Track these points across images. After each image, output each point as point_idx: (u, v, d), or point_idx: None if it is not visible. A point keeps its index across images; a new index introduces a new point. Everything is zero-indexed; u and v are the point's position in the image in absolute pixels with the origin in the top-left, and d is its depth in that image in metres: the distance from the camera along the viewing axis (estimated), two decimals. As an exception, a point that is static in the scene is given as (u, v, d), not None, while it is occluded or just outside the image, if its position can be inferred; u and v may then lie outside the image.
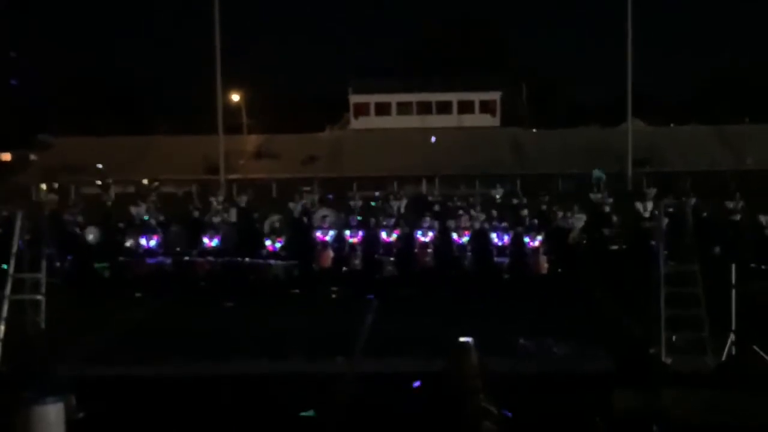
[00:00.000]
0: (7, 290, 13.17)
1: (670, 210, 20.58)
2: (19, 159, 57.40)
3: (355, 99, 54.51)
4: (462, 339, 10.34)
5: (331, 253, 19.89)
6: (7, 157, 60.44)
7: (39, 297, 13.40)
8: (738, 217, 22.29)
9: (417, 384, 10.40)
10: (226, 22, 39.15)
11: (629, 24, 36.13)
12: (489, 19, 67.94)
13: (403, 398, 11.40)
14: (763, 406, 9.70)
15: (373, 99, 54.23)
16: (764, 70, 60.96)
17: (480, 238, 20.09)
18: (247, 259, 19.70)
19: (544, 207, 23.35)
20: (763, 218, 21.58)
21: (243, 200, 23.53)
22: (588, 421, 9.78)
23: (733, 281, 13.28)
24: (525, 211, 22.29)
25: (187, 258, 19.80)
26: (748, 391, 10.20)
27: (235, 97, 55.96)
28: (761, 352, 11.87)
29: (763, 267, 19.67)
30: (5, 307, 13.02)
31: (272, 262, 19.61)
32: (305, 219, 21.29)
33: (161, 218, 21.34)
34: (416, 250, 20.00)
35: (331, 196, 25.47)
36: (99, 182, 34.32)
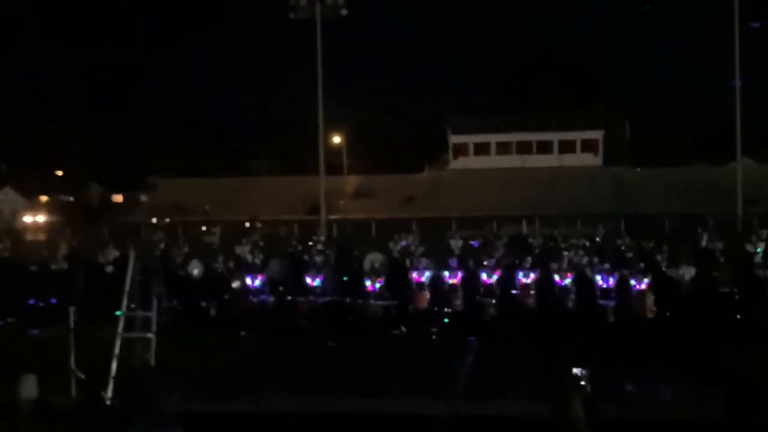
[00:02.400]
0: (120, 328, 13.63)
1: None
2: (129, 200, 59.71)
3: (454, 139, 54.70)
4: (575, 370, 10.06)
5: (427, 294, 19.86)
6: (119, 198, 62.96)
7: (149, 335, 13.82)
8: None
9: None
10: (326, 63, 40.02)
11: (737, 63, 35.15)
12: (586, 54, 67.30)
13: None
14: None
15: (472, 139, 54.28)
16: None
17: (583, 280, 19.70)
18: (347, 299, 19.86)
19: (650, 247, 22.80)
20: None
21: (343, 241, 23.80)
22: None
23: None
24: (630, 253, 21.82)
25: (289, 297, 20.10)
26: None
27: (336, 139, 56.93)
28: None
29: None
30: (118, 344, 13.46)
31: (372, 302, 19.70)
32: (406, 260, 21.37)
33: (264, 257, 21.78)
34: (518, 292, 19.77)
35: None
36: (205, 222, 35.40)
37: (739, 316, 18.67)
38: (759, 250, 20.75)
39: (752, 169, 43.50)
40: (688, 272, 19.88)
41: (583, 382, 10.60)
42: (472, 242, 26.32)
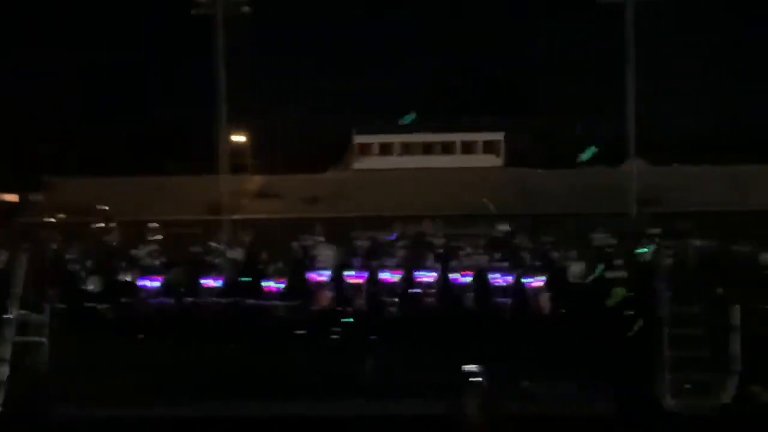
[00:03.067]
0: (10, 332, 13.20)
1: (674, 251, 20.61)
2: (23, 200, 57.64)
3: (358, 139, 54.85)
4: (468, 367, 10.31)
5: (328, 294, 19.91)
6: (13, 198, 60.67)
7: (42, 339, 13.43)
8: (742, 257, 22.28)
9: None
10: (232, 61, 39.60)
11: (631, 59, 36.43)
12: (495, 60, 68.58)
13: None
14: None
15: (376, 139, 54.54)
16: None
17: (481, 278, 20.09)
18: (249, 301, 19.70)
19: (547, 247, 23.37)
20: (766, 257, 21.55)
21: (245, 242, 23.61)
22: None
23: (737, 323, 13.28)
24: (527, 252, 22.32)
25: (189, 299, 19.80)
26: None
27: (240, 138, 56.34)
28: (762, 393, 11.83)
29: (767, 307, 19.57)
30: (8, 349, 13.04)
31: (274, 303, 19.60)
32: (306, 260, 21.32)
33: (163, 259, 21.38)
34: (418, 291, 20.00)
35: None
36: (103, 223, 34.49)
37: (631, 313, 19.26)
38: (646, 250, 21.46)
39: (646, 171, 45.03)
40: (579, 267, 20.55)
41: (478, 380, 10.85)
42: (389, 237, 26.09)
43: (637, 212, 37.66)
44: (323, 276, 20.34)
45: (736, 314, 13.28)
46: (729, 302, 13.85)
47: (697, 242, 21.77)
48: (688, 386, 12.37)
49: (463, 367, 10.41)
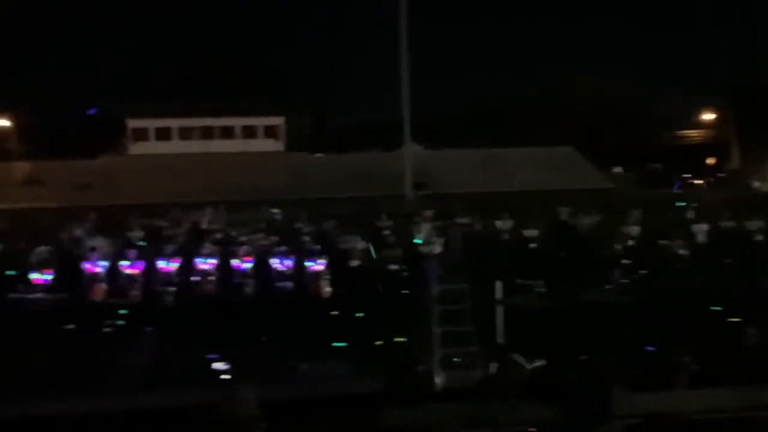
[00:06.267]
0: None
1: (444, 231, 21.63)
2: None
3: (133, 124, 52.82)
4: (215, 365, 10.40)
5: (103, 286, 19.16)
6: None
7: None
8: (506, 235, 23.78)
9: None
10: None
11: (404, 49, 37.61)
12: (264, 46, 68.49)
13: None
14: (518, 414, 10.39)
15: (152, 124, 52.75)
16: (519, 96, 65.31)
17: (261, 264, 20.08)
18: (10, 294, 18.54)
19: (327, 231, 23.72)
20: (527, 233, 23.16)
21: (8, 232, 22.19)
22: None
23: (499, 297, 14.17)
24: (308, 236, 22.57)
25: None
26: (508, 400, 10.89)
27: (4, 122, 52.78)
28: (521, 361, 12.73)
29: (528, 282, 20.98)
30: None
31: (40, 296, 18.57)
32: (77, 250, 20.37)
33: None
34: (197, 279, 19.68)
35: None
36: None
37: (406, 292, 19.95)
38: (419, 241, 22.32)
39: (420, 154, 46.76)
40: (359, 246, 21.11)
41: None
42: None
43: (412, 195, 39.05)
44: (97, 267, 19.55)
45: (498, 289, 14.14)
46: (492, 278, 14.70)
47: (463, 221, 22.93)
48: (456, 360, 13.01)
49: (214, 363, 10.43)
